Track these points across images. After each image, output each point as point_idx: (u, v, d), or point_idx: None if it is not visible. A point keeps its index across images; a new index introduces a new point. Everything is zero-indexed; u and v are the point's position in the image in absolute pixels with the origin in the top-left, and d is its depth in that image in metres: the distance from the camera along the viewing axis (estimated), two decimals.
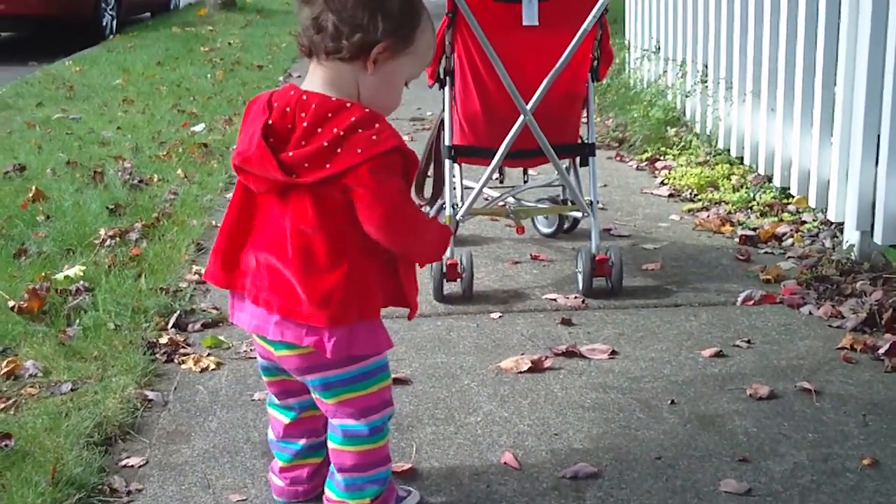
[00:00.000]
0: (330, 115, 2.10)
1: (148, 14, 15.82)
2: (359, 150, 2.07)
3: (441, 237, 2.35)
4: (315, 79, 2.19)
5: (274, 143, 2.13)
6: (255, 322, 2.25)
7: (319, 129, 2.10)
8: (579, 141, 4.26)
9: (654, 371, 3.36)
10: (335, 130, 2.08)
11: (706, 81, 6.16)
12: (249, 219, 2.24)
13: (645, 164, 6.11)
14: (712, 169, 5.67)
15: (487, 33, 3.83)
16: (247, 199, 2.25)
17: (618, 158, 6.31)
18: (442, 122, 4.21)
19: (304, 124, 2.11)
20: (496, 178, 4.63)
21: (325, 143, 2.08)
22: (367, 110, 2.12)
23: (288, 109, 2.14)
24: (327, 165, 2.08)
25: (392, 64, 2.18)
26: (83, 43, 12.06)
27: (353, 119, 2.09)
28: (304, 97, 2.14)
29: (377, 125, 2.11)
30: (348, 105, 2.12)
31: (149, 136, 6.88)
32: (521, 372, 3.36)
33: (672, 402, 3.13)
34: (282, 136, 2.13)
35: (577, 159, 4.27)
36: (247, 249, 2.23)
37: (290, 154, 2.10)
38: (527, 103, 3.89)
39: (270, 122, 2.14)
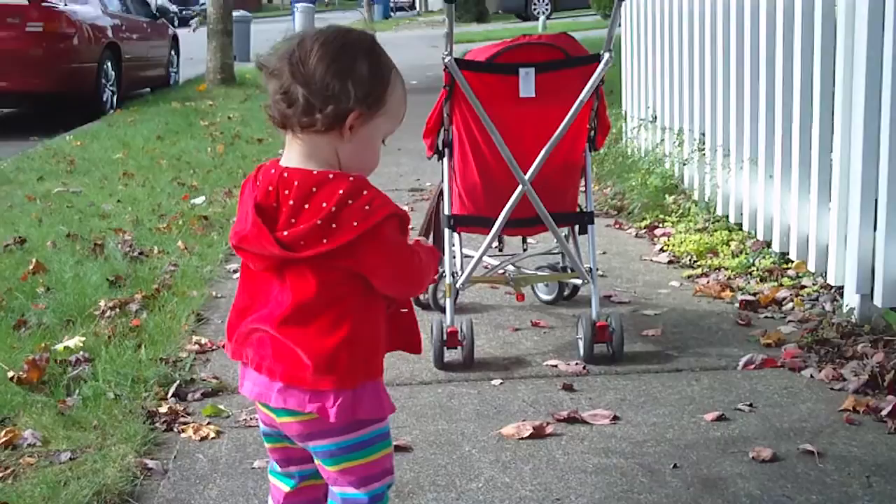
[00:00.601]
0: (314, 189, 2.08)
1: (148, 89, 15.95)
2: (354, 224, 2.05)
3: (434, 260, 2.36)
4: (292, 153, 2.16)
5: (264, 222, 2.11)
6: (258, 390, 2.23)
7: (306, 206, 2.07)
8: (578, 209, 4.28)
9: (657, 435, 3.35)
10: (324, 205, 2.06)
11: (703, 149, 6.20)
12: (255, 293, 2.23)
13: (644, 231, 6.13)
14: (711, 235, 5.69)
15: (485, 105, 3.87)
16: (250, 275, 2.24)
17: (616, 226, 6.33)
18: (441, 192, 4.24)
19: (291, 202, 2.08)
20: (495, 247, 4.65)
21: (319, 221, 2.05)
22: (351, 179, 2.09)
23: (270, 188, 2.11)
24: (324, 241, 2.06)
25: (367, 127, 2.14)
26: (84, 118, 12.15)
27: (340, 192, 2.06)
28: (285, 174, 2.11)
29: (365, 192, 2.08)
30: (331, 177, 2.09)
31: (149, 209, 6.90)
32: (522, 438, 3.34)
33: (675, 466, 3.12)
34: (269, 214, 2.11)
35: (576, 227, 4.29)
36: (250, 321, 2.23)
37: (285, 234, 2.08)
38: (525, 173, 3.92)
39: (257, 201, 2.12)
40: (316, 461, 2.27)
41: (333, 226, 2.05)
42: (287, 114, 2.10)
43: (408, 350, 2.38)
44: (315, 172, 2.09)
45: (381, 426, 2.25)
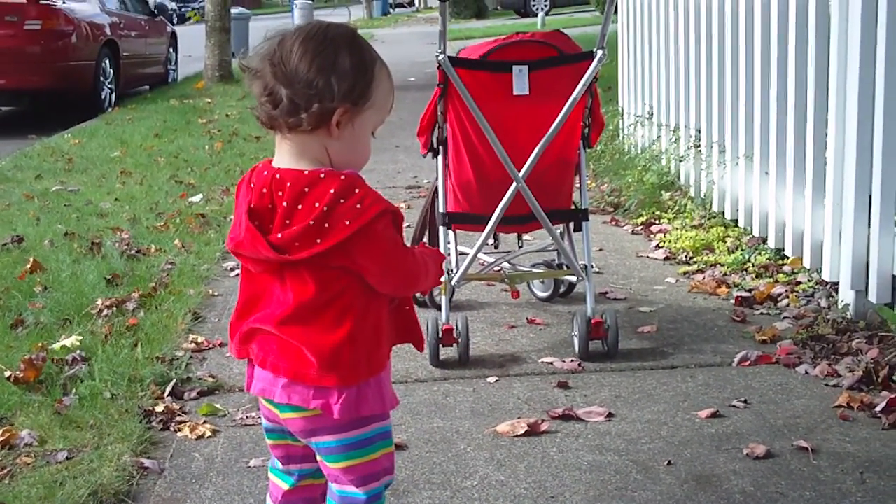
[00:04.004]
0: (306, 189, 2.07)
1: (146, 87, 15.97)
2: (347, 222, 2.05)
3: (437, 263, 2.35)
4: (283, 153, 2.15)
5: (260, 225, 2.11)
6: (261, 385, 2.23)
7: (299, 206, 2.07)
8: (572, 206, 4.29)
9: (651, 432, 3.36)
10: (317, 205, 2.06)
11: (699, 146, 6.20)
12: (256, 293, 2.24)
13: (640, 227, 6.14)
14: (707, 232, 5.70)
15: (479, 103, 3.88)
16: (250, 276, 2.24)
17: (613, 223, 6.34)
18: (436, 189, 4.24)
19: (284, 203, 2.08)
20: (491, 244, 4.65)
21: (311, 222, 2.05)
22: (342, 177, 2.08)
23: (265, 190, 2.11)
24: (318, 241, 2.06)
25: (355, 122, 2.13)
26: (82, 116, 12.17)
27: (332, 191, 2.06)
28: (278, 176, 2.11)
29: (357, 190, 2.07)
30: (322, 175, 2.08)
31: (146, 207, 6.91)
32: (517, 435, 3.35)
33: (669, 462, 3.13)
34: (264, 217, 2.11)
35: (571, 224, 4.30)
36: (251, 321, 2.23)
37: (279, 236, 2.08)
38: (519, 170, 3.93)
39: (252, 205, 2.12)
40: (318, 458, 2.28)
41: (326, 225, 2.05)
42: (273, 115, 2.10)
43: (413, 343, 2.38)
44: (307, 172, 2.09)
45: (384, 424, 2.26)
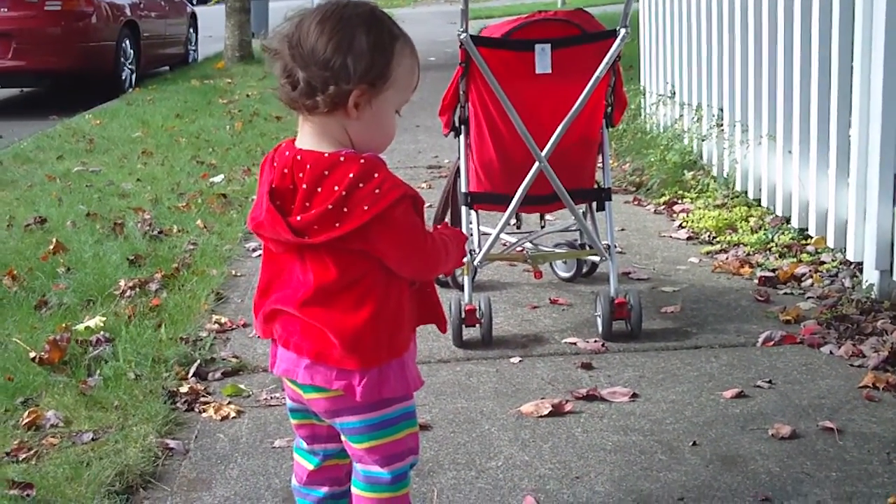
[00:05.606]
0: (326, 172, 2.07)
1: (167, 67, 15.96)
2: (365, 207, 2.04)
3: (458, 244, 2.35)
4: (305, 134, 2.15)
5: (281, 206, 2.11)
6: (284, 366, 2.24)
7: (319, 189, 2.07)
8: (595, 186, 4.27)
9: (676, 413, 3.36)
10: (336, 189, 2.05)
11: (722, 125, 6.18)
12: (277, 272, 2.24)
13: (663, 207, 6.12)
14: (730, 211, 5.67)
15: (501, 82, 3.86)
16: (272, 255, 2.24)
17: (635, 202, 6.32)
18: (458, 169, 4.23)
19: (304, 185, 2.08)
20: (513, 224, 4.64)
21: (330, 206, 2.05)
22: (362, 161, 2.07)
23: (286, 171, 2.11)
24: (337, 225, 2.06)
25: (375, 102, 2.11)
26: (103, 96, 12.17)
27: (351, 175, 2.05)
28: (299, 157, 2.10)
29: (376, 175, 2.06)
30: (342, 158, 2.07)
31: (168, 188, 6.92)
32: (541, 416, 3.35)
33: (694, 443, 3.13)
34: (286, 197, 2.11)
35: (594, 204, 4.29)
36: (273, 301, 2.23)
37: (299, 219, 2.08)
38: (542, 150, 3.91)
39: (274, 185, 2.12)
40: (343, 438, 2.29)
41: (345, 210, 2.05)
42: (292, 96, 2.09)
43: (436, 324, 2.37)
44: (326, 155, 2.08)
45: (407, 405, 2.27)
